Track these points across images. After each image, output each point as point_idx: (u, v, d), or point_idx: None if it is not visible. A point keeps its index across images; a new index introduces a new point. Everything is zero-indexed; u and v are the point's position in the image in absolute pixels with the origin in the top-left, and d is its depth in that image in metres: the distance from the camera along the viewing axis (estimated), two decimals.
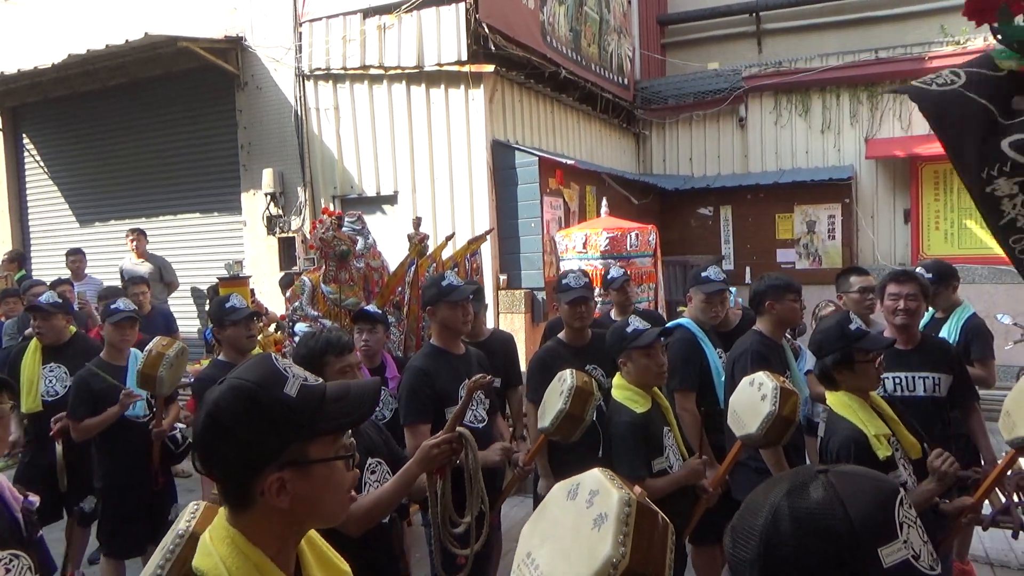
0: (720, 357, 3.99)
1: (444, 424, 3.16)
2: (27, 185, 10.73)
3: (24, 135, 10.63)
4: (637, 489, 1.22)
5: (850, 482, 1.00)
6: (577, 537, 1.13)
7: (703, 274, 4.07)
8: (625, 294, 4.77)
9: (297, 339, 4.90)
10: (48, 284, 6.32)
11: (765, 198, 10.81)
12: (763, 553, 0.98)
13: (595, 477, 1.21)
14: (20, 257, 9.40)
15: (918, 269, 4.14)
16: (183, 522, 1.40)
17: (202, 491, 5.78)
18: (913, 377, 3.41)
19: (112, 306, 4.21)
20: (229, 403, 1.23)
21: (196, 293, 9.16)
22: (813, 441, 3.80)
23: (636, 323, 3.07)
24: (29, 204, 10.73)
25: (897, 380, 3.40)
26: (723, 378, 3.83)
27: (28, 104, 10.19)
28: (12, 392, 4.26)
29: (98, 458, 4.15)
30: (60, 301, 4.77)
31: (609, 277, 4.87)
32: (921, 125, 10.42)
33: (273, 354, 1.34)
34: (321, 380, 1.34)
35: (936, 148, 10.03)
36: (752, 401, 2.69)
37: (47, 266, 10.22)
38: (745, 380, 2.83)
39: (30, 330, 4.81)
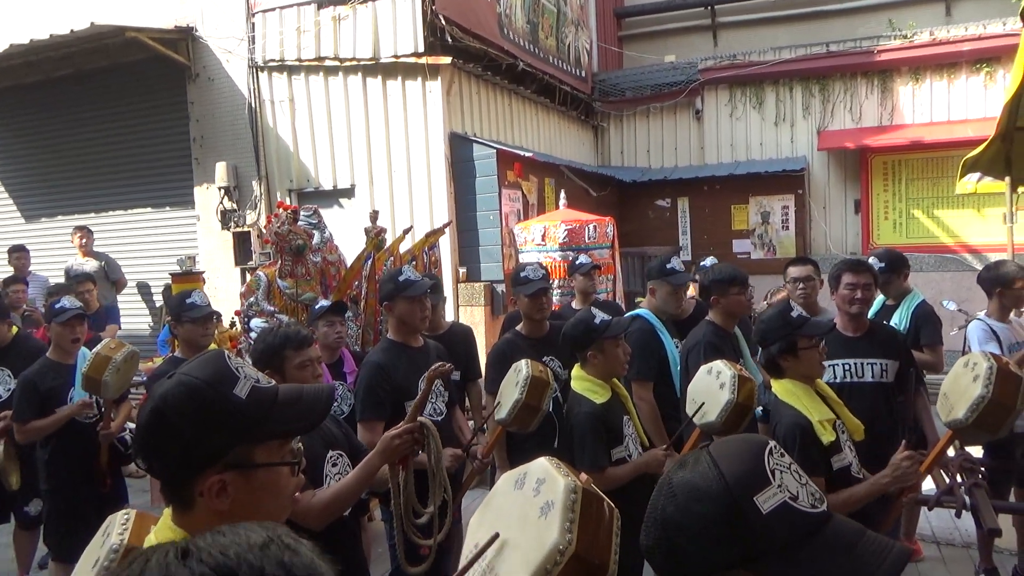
0: (677, 347, 4.05)
1: (403, 417, 3.16)
2: None
3: None
4: (583, 476, 1.23)
5: (723, 446, 1.07)
6: (524, 526, 1.14)
7: (669, 265, 4.11)
8: (591, 280, 4.83)
9: (253, 335, 4.84)
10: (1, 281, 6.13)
11: (721, 189, 10.96)
12: (664, 535, 1.04)
13: (542, 465, 1.21)
14: None
15: (870, 258, 4.26)
16: (115, 535, 1.35)
17: (151, 493, 5.68)
18: (861, 363, 3.50)
19: (57, 305, 4.08)
20: (175, 399, 1.20)
21: (144, 290, 8.96)
22: (766, 427, 3.89)
23: (601, 314, 3.09)
24: None
25: (846, 366, 3.49)
26: (679, 368, 3.89)
27: None
28: None
29: (44, 460, 4.03)
30: None
31: (578, 263, 4.91)
32: (871, 117, 10.69)
33: (226, 352, 1.30)
34: (274, 383, 1.31)
35: (886, 140, 10.31)
36: (711, 390, 2.74)
37: None
38: (703, 369, 2.87)
39: None
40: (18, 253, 7.58)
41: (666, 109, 11.71)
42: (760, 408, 2.92)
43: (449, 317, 6.09)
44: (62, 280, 7.34)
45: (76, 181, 9.39)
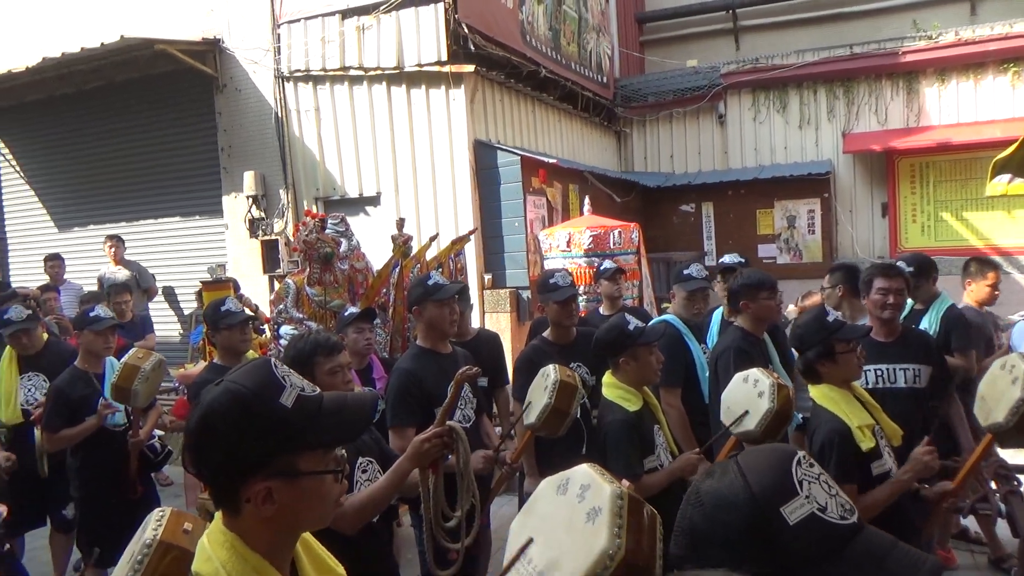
0: (705, 353, 4.03)
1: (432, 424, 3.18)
2: (3, 190, 10.57)
3: None
4: (625, 483, 1.24)
5: (751, 456, 1.07)
6: (570, 531, 1.15)
7: (684, 271, 4.12)
8: (616, 284, 4.82)
9: (282, 341, 4.89)
10: (34, 288, 6.25)
11: (746, 194, 10.90)
12: (692, 544, 1.03)
13: (585, 472, 1.23)
14: None
15: (898, 262, 4.21)
16: (149, 531, 1.38)
17: (186, 498, 5.75)
18: (894, 369, 3.46)
19: (91, 313, 4.13)
20: (222, 406, 1.22)
21: (172, 297, 9.08)
22: (799, 436, 3.85)
23: (635, 320, 3.08)
24: (5, 209, 10.58)
25: (879, 372, 3.46)
26: (707, 374, 3.87)
27: (2, 108, 10.04)
28: None
29: (75, 468, 4.09)
30: (31, 312, 4.71)
31: (602, 268, 4.91)
32: (897, 119, 10.58)
33: (273, 360, 1.32)
34: (319, 390, 1.32)
35: (912, 141, 10.19)
36: (748, 398, 2.72)
37: (25, 271, 10.09)
38: (738, 377, 2.85)
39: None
40: (53, 262, 7.74)
41: (689, 114, 11.67)
42: (800, 415, 2.90)
43: (475, 324, 6.11)
44: (95, 288, 7.47)
45: (108, 191, 9.57)
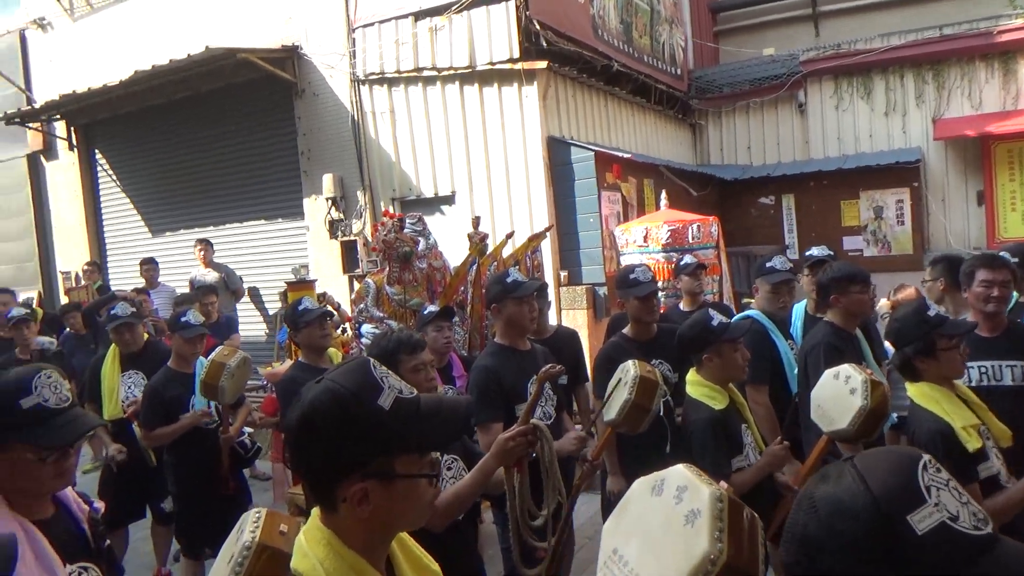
0: (791, 349, 3.91)
1: (513, 422, 3.18)
2: (101, 198, 11.17)
3: (96, 151, 11.08)
4: (723, 484, 1.20)
5: (870, 459, 1.00)
6: (668, 533, 1.13)
7: (768, 264, 4.00)
8: (697, 280, 4.74)
9: (364, 340, 4.99)
10: (129, 291, 6.57)
11: (829, 185, 10.51)
12: (806, 552, 0.98)
13: (681, 473, 1.20)
14: (98, 268, 9.83)
15: (1002, 253, 3.97)
16: (247, 533, 1.40)
17: (273, 492, 5.94)
18: (999, 366, 3.26)
19: (183, 318, 4.29)
20: (323, 405, 1.23)
21: (257, 297, 9.37)
22: (894, 435, 3.69)
23: (719, 316, 3.01)
24: (104, 217, 11.18)
25: (983, 369, 3.26)
26: (795, 371, 3.75)
27: (99, 121, 10.60)
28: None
29: (171, 464, 4.27)
30: (136, 310, 4.96)
31: (683, 263, 4.83)
32: (993, 102, 10.01)
33: (372, 361, 1.32)
34: (416, 392, 1.32)
35: (1010, 126, 9.62)
36: (839, 395, 2.61)
37: (122, 275, 10.63)
38: (829, 373, 2.74)
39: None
40: (148, 265, 8.12)
41: (767, 104, 11.35)
42: (895, 415, 2.77)
43: (551, 321, 6.09)
44: (187, 290, 7.79)
45: (196, 196, 9.99)
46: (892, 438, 3.70)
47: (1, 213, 12.18)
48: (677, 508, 1.13)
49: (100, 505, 2.06)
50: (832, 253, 4.76)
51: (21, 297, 8.69)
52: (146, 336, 5.04)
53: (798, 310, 4.26)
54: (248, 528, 1.45)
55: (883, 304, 5.11)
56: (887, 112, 10.65)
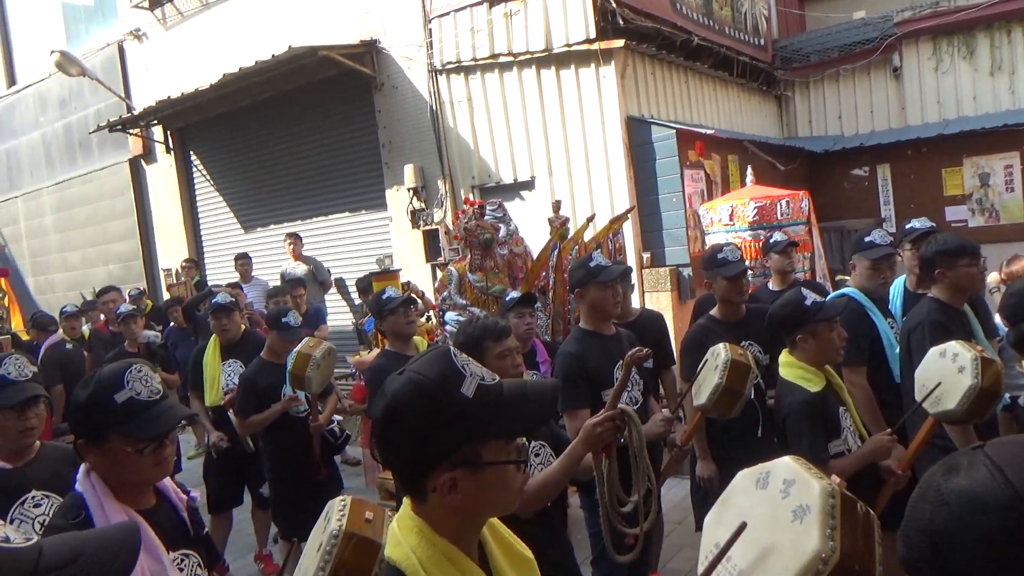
0: (892, 328, 3.71)
1: (599, 407, 3.14)
2: (197, 198, 11.71)
3: (191, 152, 11.60)
4: (835, 478, 1.14)
5: (1006, 449, 0.91)
6: (774, 529, 1.08)
7: (867, 239, 3.80)
8: (789, 258, 4.57)
9: (448, 328, 5.05)
10: (224, 286, 6.88)
11: (928, 152, 9.92)
12: (932, 548, 0.90)
13: (787, 465, 1.14)
14: (195, 264, 10.32)
15: None
16: (334, 521, 1.41)
17: (365, 478, 6.10)
18: None
19: (284, 319, 4.38)
20: (407, 396, 1.23)
21: (343, 288, 9.61)
22: (1007, 417, 3.46)
23: (812, 295, 2.88)
24: (200, 215, 11.72)
25: None
26: (896, 351, 3.56)
27: (192, 124, 11.10)
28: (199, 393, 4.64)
29: (267, 451, 4.43)
30: (234, 300, 5.18)
31: (772, 240, 4.67)
32: None
33: (452, 350, 1.31)
34: (498, 379, 1.31)
35: None
36: (946, 374, 2.46)
37: (218, 270, 11.12)
38: (934, 351, 2.58)
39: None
40: (242, 260, 8.46)
41: (858, 70, 10.79)
42: (1008, 395, 2.59)
43: (634, 304, 6.00)
44: (278, 283, 8.07)
45: (284, 192, 10.33)
46: (1005, 421, 3.47)
47: (108, 215, 12.94)
48: (784, 503, 1.09)
49: (197, 494, 2.14)
50: (934, 225, 4.49)
51: (127, 290, 9.20)
52: (243, 327, 5.24)
53: (897, 287, 4.05)
54: (335, 517, 1.47)
55: (993, 278, 4.79)
56: (992, 72, 9.95)
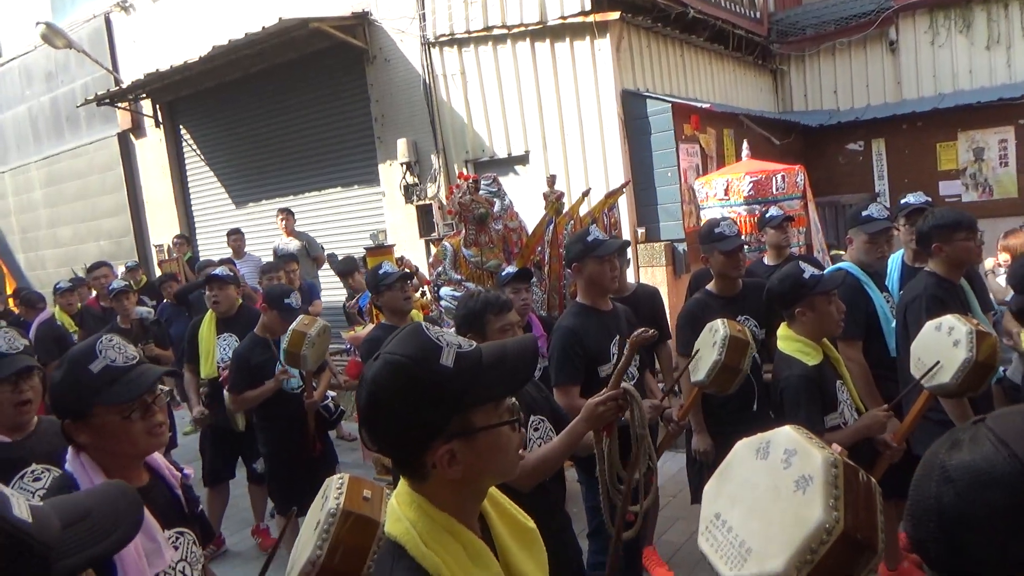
0: (888, 302, 3.72)
1: (595, 382, 3.15)
2: (187, 173, 11.59)
3: (181, 127, 11.46)
4: (837, 447, 1.14)
5: (1007, 421, 0.90)
6: (776, 500, 1.07)
7: (864, 213, 3.79)
8: (784, 233, 4.57)
9: (443, 303, 5.03)
10: (217, 262, 6.83)
11: (923, 127, 9.89)
12: (940, 526, 0.89)
13: (788, 435, 1.14)
14: (187, 240, 10.24)
15: None
16: (331, 500, 1.41)
17: (362, 452, 6.11)
18: None
19: (287, 300, 4.30)
20: (386, 380, 1.21)
21: (333, 261, 9.54)
22: (999, 390, 3.48)
23: (811, 268, 2.88)
24: (191, 190, 11.61)
25: None
26: (892, 325, 3.57)
27: (182, 97, 10.94)
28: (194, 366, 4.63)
29: (260, 427, 4.43)
30: (232, 274, 5.15)
31: (768, 215, 4.66)
32: None
33: (423, 324, 1.30)
34: (475, 344, 1.29)
35: None
36: (941, 348, 2.47)
37: (210, 246, 11.05)
38: (930, 325, 2.59)
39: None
40: (235, 235, 8.40)
41: (854, 44, 10.72)
42: (1002, 369, 2.60)
43: (629, 279, 6.00)
44: (271, 258, 8.03)
45: (276, 167, 10.24)
46: (999, 393, 3.50)
47: (98, 191, 12.81)
48: (786, 473, 1.08)
49: (191, 471, 2.13)
50: (929, 199, 4.49)
51: (120, 268, 9.13)
52: (239, 301, 5.21)
53: (894, 261, 4.05)
54: (332, 495, 1.47)
55: (988, 263, 4.80)
56: (988, 46, 9.89)
